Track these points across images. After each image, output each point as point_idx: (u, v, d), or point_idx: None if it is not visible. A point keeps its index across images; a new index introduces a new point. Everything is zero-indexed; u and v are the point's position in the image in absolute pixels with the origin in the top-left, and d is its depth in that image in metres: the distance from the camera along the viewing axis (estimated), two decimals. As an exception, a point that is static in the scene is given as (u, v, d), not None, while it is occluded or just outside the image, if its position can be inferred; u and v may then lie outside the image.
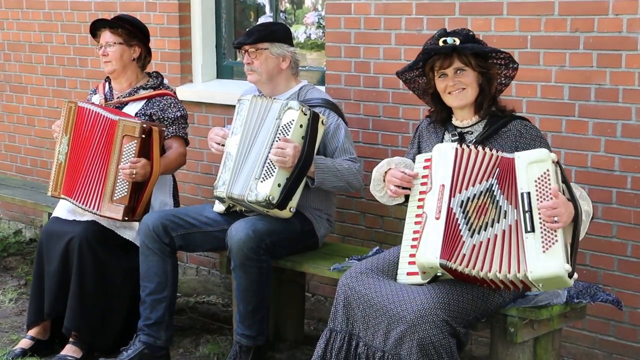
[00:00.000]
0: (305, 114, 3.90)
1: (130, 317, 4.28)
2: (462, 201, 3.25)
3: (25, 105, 6.35)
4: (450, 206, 3.24)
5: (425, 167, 3.42)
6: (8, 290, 5.32)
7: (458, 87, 3.46)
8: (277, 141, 3.89)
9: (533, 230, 3.16)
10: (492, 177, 3.27)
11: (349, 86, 4.62)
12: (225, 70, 5.45)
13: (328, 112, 4.08)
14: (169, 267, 4.17)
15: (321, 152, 4.04)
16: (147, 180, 4.22)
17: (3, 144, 6.58)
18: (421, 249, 3.24)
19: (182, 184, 5.21)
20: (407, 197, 3.48)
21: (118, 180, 4.21)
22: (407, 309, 3.19)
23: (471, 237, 3.22)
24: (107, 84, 4.59)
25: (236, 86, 5.10)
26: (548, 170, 3.19)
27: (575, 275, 3.16)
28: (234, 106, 4.18)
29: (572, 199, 3.19)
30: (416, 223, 3.36)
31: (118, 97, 4.49)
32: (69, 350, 4.26)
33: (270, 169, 3.90)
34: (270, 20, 5.23)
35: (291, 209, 3.95)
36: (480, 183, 3.27)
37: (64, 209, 4.44)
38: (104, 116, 4.27)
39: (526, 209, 3.17)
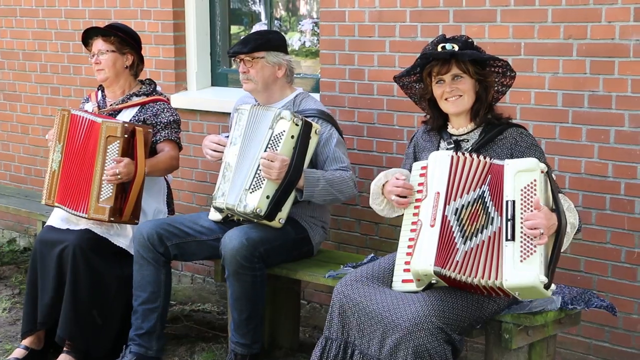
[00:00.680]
0: (297, 125, 3.88)
1: (125, 326, 4.26)
2: (457, 209, 3.26)
3: (19, 114, 6.33)
4: (445, 214, 3.24)
5: (421, 175, 3.42)
6: (2, 300, 5.29)
7: (455, 94, 3.46)
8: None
9: (513, 239, 3.15)
10: (485, 184, 3.27)
11: (344, 93, 4.62)
12: (219, 77, 5.44)
13: (322, 122, 4.06)
14: (163, 276, 4.17)
15: (313, 161, 4.03)
16: (132, 180, 4.21)
17: (-3, 152, 6.58)
18: (415, 256, 3.24)
19: (177, 191, 5.20)
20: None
21: (103, 182, 4.20)
22: (402, 316, 3.19)
23: (464, 244, 3.22)
24: (100, 92, 4.59)
25: (231, 94, 5.09)
26: (535, 180, 3.18)
27: (553, 287, 3.16)
28: (228, 114, 4.18)
29: (557, 210, 3.19)
30: (411, 230, 3.36)
31: (111, 105, 4.49)
32: (63, 359, 4.24)
33: (259, 181, 3.89)
34: (265, 27, 5.24)
35: (280, 220, 3.94)
36: (474, 190, 3.27)
37: (58, 218, 4.43)
38: (90, 120, 4.27)
39: (509, 217, 3.17)
